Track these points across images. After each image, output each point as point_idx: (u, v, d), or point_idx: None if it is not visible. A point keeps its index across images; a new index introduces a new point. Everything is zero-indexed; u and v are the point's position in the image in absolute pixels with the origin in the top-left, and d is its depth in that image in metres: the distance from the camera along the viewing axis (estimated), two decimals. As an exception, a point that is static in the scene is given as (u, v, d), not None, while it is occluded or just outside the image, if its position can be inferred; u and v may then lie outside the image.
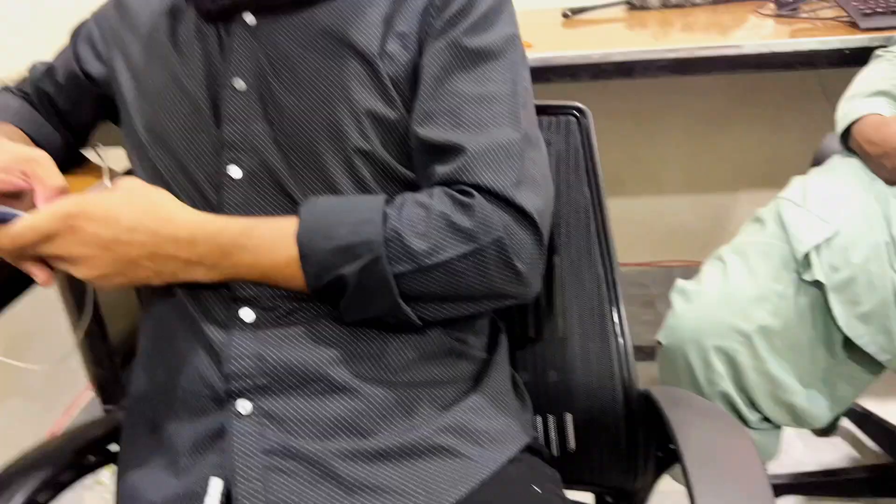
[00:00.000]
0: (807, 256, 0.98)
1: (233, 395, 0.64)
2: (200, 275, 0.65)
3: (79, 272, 0.62)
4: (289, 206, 0.68)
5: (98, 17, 0.85)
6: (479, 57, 0.69)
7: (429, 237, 0.62)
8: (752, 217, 1.11)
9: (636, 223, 2.11)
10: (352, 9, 0.71)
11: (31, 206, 0.65)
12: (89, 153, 0.94)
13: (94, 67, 0.83)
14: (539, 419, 0.80)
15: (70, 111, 0.88)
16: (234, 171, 0.70)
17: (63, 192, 0.66)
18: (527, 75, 0.73)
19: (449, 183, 0.66)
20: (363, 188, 0.69)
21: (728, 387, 0.99)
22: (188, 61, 0.73)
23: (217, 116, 0.71)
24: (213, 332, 0.66)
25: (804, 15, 1.52)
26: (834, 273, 0.96)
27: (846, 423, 1.52)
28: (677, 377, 1.04)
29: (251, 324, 0.66)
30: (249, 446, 0.62)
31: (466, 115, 0.67)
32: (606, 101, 1.92)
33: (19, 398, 1.54)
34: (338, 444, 0.63)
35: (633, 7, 1.72)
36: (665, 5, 1.70)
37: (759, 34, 1.47)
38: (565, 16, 1.67)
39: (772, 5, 1.60)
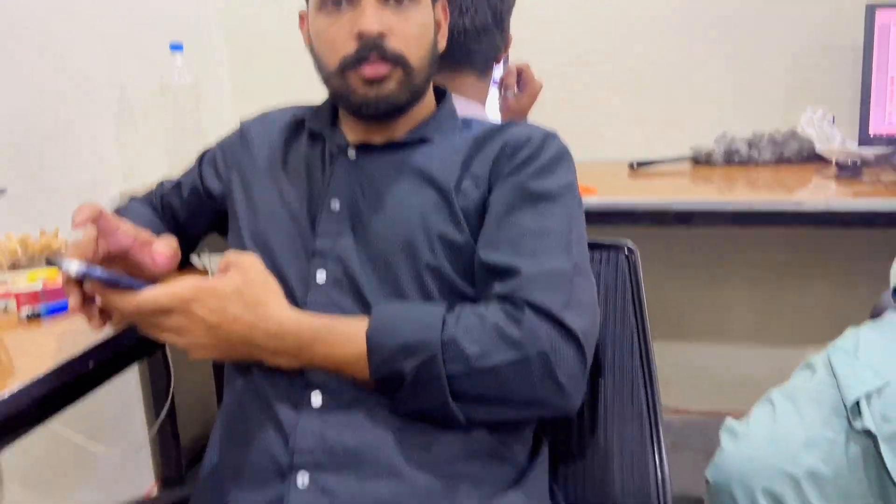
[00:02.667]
0: (857, 405, 0.98)
1: (294, 469, 0.71)
2: (283, 362, 0.74)
3: (180, 342, 0.72)
4: (363, 309, 0.78)
5: (223, 143, 1.02)
6: (541, 198, 0.80)
7: (481, 343, 0.70)
8: (804, 363, 1.13)
9: (699, 370, 2.10)
10: (438, 153, 0.85)
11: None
12: (196, 260, 1.08)
13: (214, 185, 0.99)
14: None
15: (187, 222, 1.03)
16: (321, 276, 0.81)
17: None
18: (581, 218, 0.83)
19: (503, 299, 0.74)
20: (429, 300, 0.78)
21: None
22: (295, 185, 0.88)
23: (313, 230, 0.83)
24: (285, 413, 0.75)
25: (866, 178, 1.58)
26: (886, 423, 0.96)
27: None
28: None
29: (318, 408, 0.74)
30: None
31: (525, 245, 0.77)
32: (671, 249, 1.99)
33: (91, 484, 1.62)
34: None
35: (697, 162, 1.82)
36: (729, 162, 1.80)
37: (822, 194, 1.53)
38: (631, 167, 1.79)
39: (834, 168, 1.67)
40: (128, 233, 0.77)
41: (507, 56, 1.79)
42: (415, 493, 0.70)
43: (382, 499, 0.69)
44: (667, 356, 2.11)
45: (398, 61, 0.82)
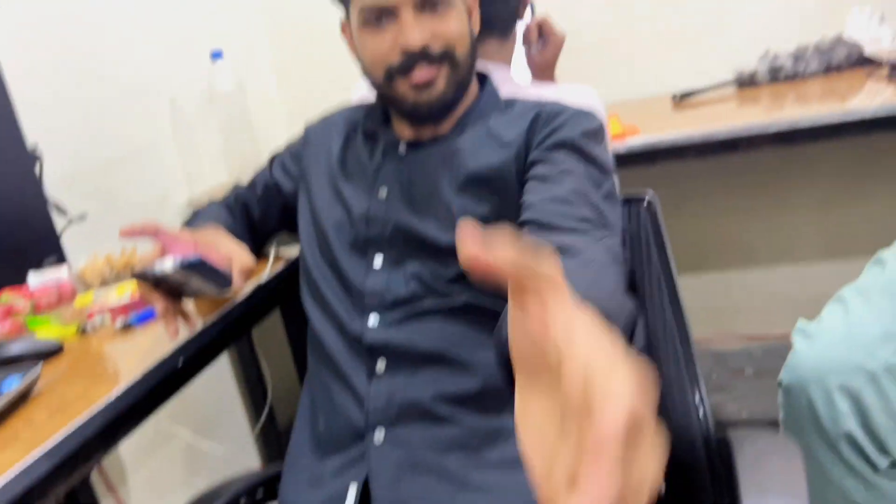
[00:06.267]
0: None
1: (371, 428, 0.80)
2: None
3: None
4: (416, 287, 0.85)
5: (290, 147, 1.11)
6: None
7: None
8: (873, 259, 1.11)
9: (774, 294, 2.07)
10: (476, 141, 0.90)
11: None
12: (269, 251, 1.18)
13: (285, 182, 1.08)
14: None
15: (260, 219, 1.12)
16: (377, 261, 0.89)
17: (251, 270, 0.90)
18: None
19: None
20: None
21: (853, 427, 0.96)
22: (352, 181, 0.95)
23: (367, 221, 0.91)
24: (358, 383, 0.84)
25: (921, 76, 1.52)
26: None
27: None
28: (800, 418, 1.02)
29: (383, 373, 0.83)
30: (383, 461, 0.79)
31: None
32: (735, 175, 1.96)
33: (203, 477, 1.77)
34: (452, 456, 0.79)
35: (742, 85, 1.79)
36: (775, 80, 1.75)
37: (875, 99, 1.48)
38: (675, 99, 1.77)
39: (885, 70, 1.60)
40: (187, 241, 0.87)
41: (532, 4, 1.80)
42: (474, 434, 0.79)
43: (451, 440, 0.78)
44: (740, 284, 2.10)
45: (444, 58, 0.87)
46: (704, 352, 2.15)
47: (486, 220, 0.86)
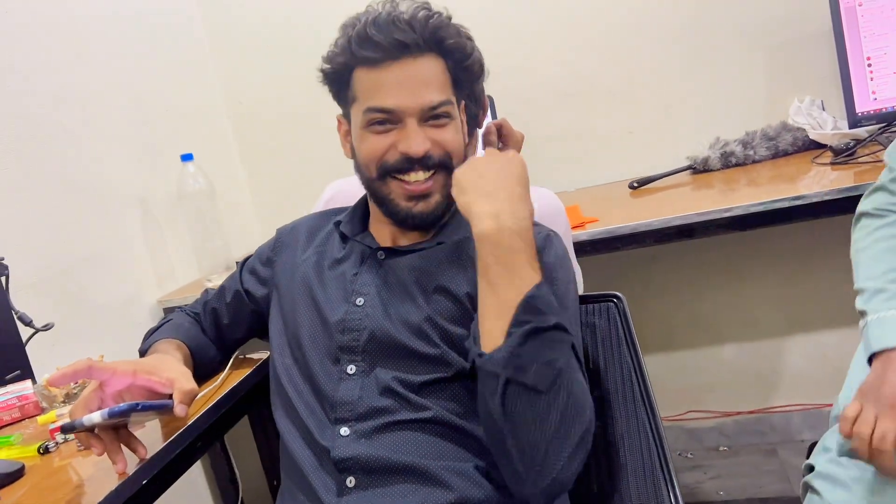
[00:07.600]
0: None
1: None
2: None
3: None
4: (388, 394, 0.86)
5: (259, 251, 1.13)
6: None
7: None
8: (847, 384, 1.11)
9: (743, 369, 2.10)
10: (452, 257, 0.93)
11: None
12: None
13: (255, 288, 1.09)
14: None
15: (229, 325, 1.12)
16: (351, 368, 0.90)
17: (193, 394, 0.89)
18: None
19: None
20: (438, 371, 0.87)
21: None
22: (327, 285, 0.97)
23: (342, 326, 0.92)
24: (327, 499, 0.83)
25: (863, 159, 1.60)
26: None
27: None
28: None
29: (353, 487, 0.82)
30: None
31: None
32: (696, 254, 2.02)
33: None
34: None
35: (696, 171, 1.86)
36: (726, 165, 1.83)
37: (820, 184, 1.54)
38: (632, 187, 1.83)
39: (829, 154, 1.69)
40: (125, 372, 0.87)
41: (493, 105, 1.87)
42: None
43: None
44: (710, 361, 2.13)
45: (440, 166, 0.91)
46: (680, 430, 2.16)
47: (460, 335, 0.87)
